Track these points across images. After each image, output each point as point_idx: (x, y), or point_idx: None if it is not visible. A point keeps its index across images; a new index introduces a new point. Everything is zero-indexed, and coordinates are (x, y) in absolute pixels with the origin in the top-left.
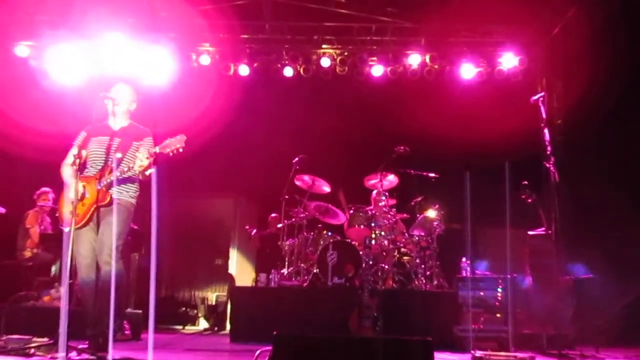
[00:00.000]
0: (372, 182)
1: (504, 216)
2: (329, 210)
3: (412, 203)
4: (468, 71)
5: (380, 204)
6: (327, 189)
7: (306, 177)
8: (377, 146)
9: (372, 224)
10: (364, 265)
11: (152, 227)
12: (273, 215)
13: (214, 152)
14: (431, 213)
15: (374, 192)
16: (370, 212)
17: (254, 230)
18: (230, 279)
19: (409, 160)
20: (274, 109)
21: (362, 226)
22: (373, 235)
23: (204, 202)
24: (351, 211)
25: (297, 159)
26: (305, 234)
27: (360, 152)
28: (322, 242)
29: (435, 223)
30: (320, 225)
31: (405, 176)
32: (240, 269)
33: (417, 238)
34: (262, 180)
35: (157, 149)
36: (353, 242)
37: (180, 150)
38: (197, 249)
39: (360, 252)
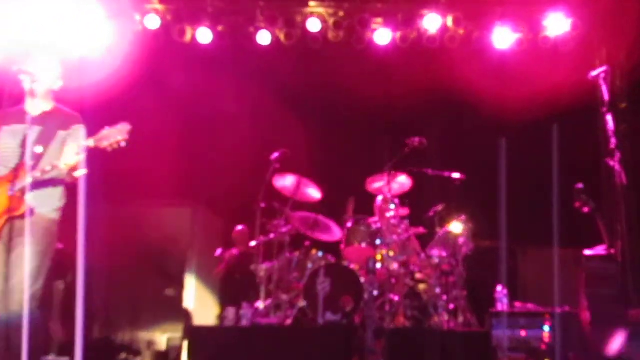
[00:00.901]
0: (377, 185)
1: (551, 231)
2: (319, 223)
3: (431, 213)
4: (503, 38)
5: (387, 215)
6: (316, 194)
7: (289, 179)
8: (384, 138)
9: (377, 241)
10: (366, 296)
11: (79, 247)
12: (239, 228)
13: (165, 146)
14: (456, 227)
15: (380, 198)
16: (374, 226)
17: (219, 250)
18: (186, 315)
19: (426, 157)
20: (245, 88)
21: (363, 244)
22: (378, 257)
23: (151, 212)
24: (349, 224)
25: (276, 154)
26: (287, 254)
27: (361, 145)
28: (310, 266)
29: (461, 240)
30: (308, 243)
31: (421, 178)
32: (200, 302)
33: (437, 260)
34: (229, 183)
35: (91, 142)
36: (352, 266)
37: (123, 143)
38: (141, 275)
39: (362, 279)
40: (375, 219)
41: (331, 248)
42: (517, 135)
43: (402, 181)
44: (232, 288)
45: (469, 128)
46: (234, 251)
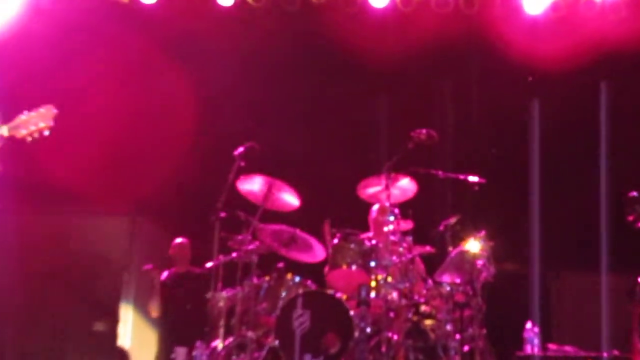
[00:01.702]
0: (373, 190)
1: (597, 251)
2: (296, 239)
3: (441, 228)
4: (535, 1)
5: (385, 229)
6: (293, 201)
7: (257, 182)
8: (381, 129)
9: (372, 264)
10: (356, 334)
11: None
12: (178, 241)
13: (93, 139)
14: (473, 246)
15: (375, 207)
16: (368, 243)
17: (165, 274)
18: (121, 356)
19: (436, 155)
20: (201, 63)
21: (354, 267)
22: (373, 283)
23: (77, 223)
24: (335, 241)
25: (240, 149)
26: (255, 279)
27: (352, 138)
28: (284, 294)
29: (480, 263)
30: (281, 265)
31: (428, 181)
32: (140, 340)
33: (448, 288)
34: (179, 186)
35: (4, 131)
36: (338, 295)
37: (46, 132)
38: (63, 304)
39: (351, 312)
40: (370, 234)
41: (312, 271)
42: (553, 130)
43: (405, 186)
44: (182, 322)
45: (492, 119)
46: (173, 270)
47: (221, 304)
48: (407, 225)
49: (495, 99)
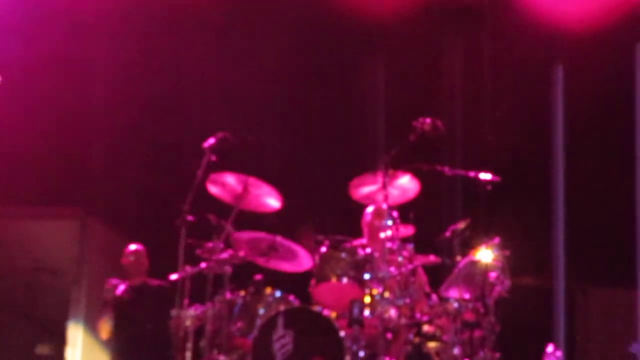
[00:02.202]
0: (367, 190)
1: (630, 263)
2: (277, 247)
3: (448, 234)
4: None
5: (382, 235)
6: (273, 203)
7: (231, 180)
8: (377, 116)
9: (366, 276)
10: (348, 358)
11: None
12: (132, 248)
13: (40, 126)
14: (485, 255)
15: (370, 210)
16: (361, 252)
17: (121, 287)
18: None
19: (442, 148)
20: (163, 37)
21: (344, 279)
22: (367, 299)
23: (17, 226)
24: (323, 249)
25: (211, 141)
26: (228, 294)
27: (343, 128)
28: (262, 312)
29: (494, 275)
30: (259, 277)
31: (433, 179)
32: None
33: (456, 305)
34: (139, 184)
35: None
36: (326, 312)
37: None
38: (1, 323)
39: (341, 333)
40: (363, 241)
41: (295, 285)
42: (580, 100)
43: (405, 184)
44: (140, 345)
45: (505, 91)
46: (127, 283)
47: (188, 323)
48: (407, 230)
49: (513, 67)
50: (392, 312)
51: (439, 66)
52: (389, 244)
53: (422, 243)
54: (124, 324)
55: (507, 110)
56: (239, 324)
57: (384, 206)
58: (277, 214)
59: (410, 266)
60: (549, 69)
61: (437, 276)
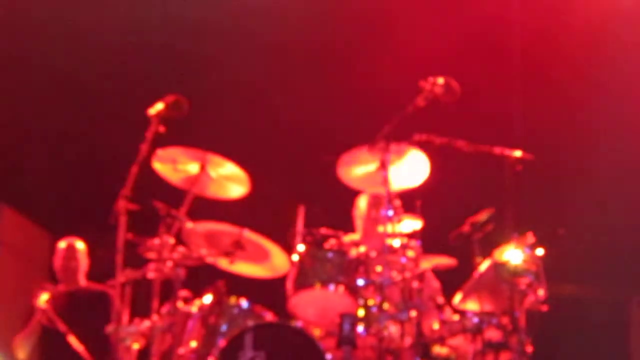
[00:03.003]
0: (360, 170)
1: None
2: (243, 244)
3: (466, 229)
4: None
5: (380, 230)
6: (239, 187)
7: (184, 156)
8: (374, 78)
9: (359, 282)
10: None
11: None
12: (63, 245)
13: None
14: (514, 256)
15: (364, 197)
16: (353, 251)
17: (44, 295)
18: None
19: (459, 117)
20: None
21: (331, 286)
22: (361, 312)
23: None
24: (302, 247)
25: (159, 106)
26: (181, 305)
27: (329, 90)
28: (225, 328)
29: (525, 281)
30: (221, 283)
31: (447, 157)
32: None
33: (476, 320)
34: (62, 168)
35: None
36: (307, 329)
37: None
38: None
39: (328, 357)
40: (356, 237)
41: (268, 294)
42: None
43: (411, 164)
44: None
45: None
46: (56, 290)
47: (128, 342)
48: (413, 224)
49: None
50: (393, 329)
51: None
52: (389, 241)
53: (432, 240)
54: (50, 342)
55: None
56: (195, 344)
57: (383, 192)
58: (244, 201)
59: (416, 270)
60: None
61: (452, 283)
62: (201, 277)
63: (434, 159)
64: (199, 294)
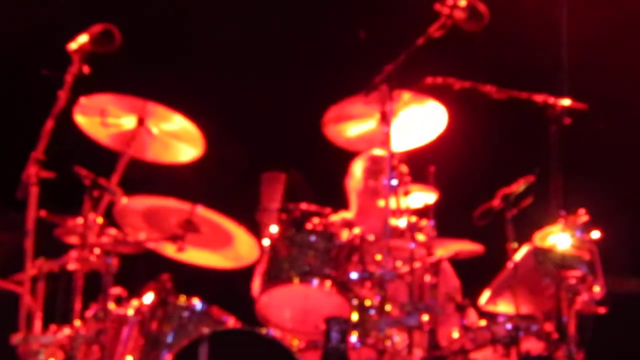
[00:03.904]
0: (354, 128)
1: None
2: (195, 226)
3: (496, 203)
4: None
5: (380, 204)
6: (191, 147)
7: (116, 106)
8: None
9: (352, 275)
10: None
11: None
12: None
13: None
14: (560, 240)
15: (359, 161)
16: (343, 234)
17: None
18: None
19: (487, 53)
20: None
21: (314, 281)
22: (355, 315)
23: None
24: (275, 228)
25: (82, 38)
26: (113, 306)
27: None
28: (171, 339)
29: (577, 274)
30: (167, 277)
31: (469, 107)
32: None
33: (509, 326)
34: None
35: None
36: (281, 338)
37: None
38: None
39: None
40: (347, 214)
41: (229, 291)
42: None
43: (422, 117)
44: None
45: None
46: None
47: (42, 356)
48: (425, 197)
49: None
50: (398, 339)
51: None
52: (392, 221)
53: (450, 219)
54: None
55: None
56: (132, 359)
57: (385, 154)
58: (197, 167)
59: (429, 259)
60: None
61: (477, 277)
62: (140, 269)
63: (452, 110)
64: (136, 291)
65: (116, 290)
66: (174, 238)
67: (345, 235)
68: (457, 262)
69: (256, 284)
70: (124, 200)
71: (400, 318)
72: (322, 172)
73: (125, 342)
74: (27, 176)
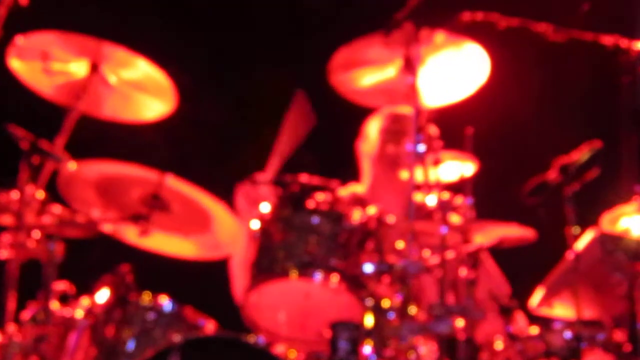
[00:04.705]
0: (370, 77)
1: None
2: (163, 203)
3: (553, 176)
4: None
5: (401, 176)
6: (156, 105)
7: (60, 45)
8: None
9: (366, 268)
10: None
11: None
12: None
13: None
14: (636, 224)
15: (374, 121)
16: (354, 215)
17: None
18: None
19: None
20: None
21: (317, 275)
22: (369, 318)
23: None
24: (266, 209)
25: None
26: (60, 305)
27: None
28: (132, 347)
29: None
30: (126, 268)
31: (519, 51)
32: None
33: (568, 335)
34: None
35: None
36: (273, 347)
37: None
38: None
39: None
40: (359, 188)
41: (206, 287)
42: None
43: (457, 65)
44: None
45: None
46: None
47: None
48: (461, 168)
49: None
50: (424, 351)
51: None
52: (418, 198)
53: (493, 197)
54: None
55: None
56: None
57: (409, 112)
58: (166, 127)
59: (466, 248)
60: None
61: (527, 271)
62: (92, 258)
63: (496, 55)
64: (87, 287)
65: (61, 286)
66: (136, 218)
67: (357, 216)
68: (502, 252)
69: (242, 279)
70: (72, 168)
71: (428, 323)
72: (327, 134)
73: (72, 352)
74: None
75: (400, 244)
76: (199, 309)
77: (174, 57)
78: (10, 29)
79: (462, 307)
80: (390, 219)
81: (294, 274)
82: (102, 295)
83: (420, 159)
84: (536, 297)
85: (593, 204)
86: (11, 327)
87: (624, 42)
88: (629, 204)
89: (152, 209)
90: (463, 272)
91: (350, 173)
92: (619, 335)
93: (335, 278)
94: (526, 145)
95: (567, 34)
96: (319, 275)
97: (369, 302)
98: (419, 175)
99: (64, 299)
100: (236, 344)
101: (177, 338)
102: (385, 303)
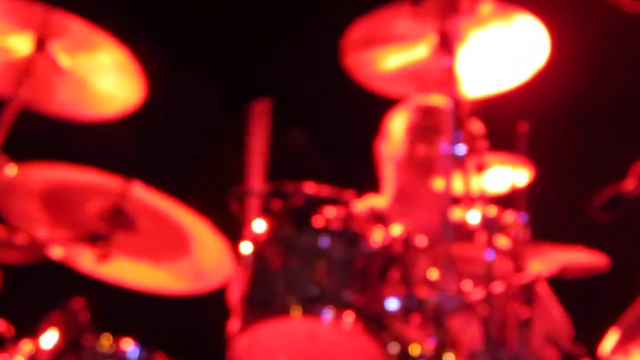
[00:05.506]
0: (394, 57)
1: None
2: (127, 219)
3: (629, 186)
4: None
5: (434, 185)
6: (120, 95)
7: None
8: None
9: (391, 304)
10: None
11: None
12: None
13: None
14: None
15: (399, 114)
16: (374, 236)
17: None
18: None
19: None
20: None
21: (325, 312)
22: None
23: None
24: (260, 227)
25: None
26: None
27: None
28: None
29: None
30: (79, 303)
31: (588, 27)
32: None
33: None
34: None
35: None
36: None
37: None
38: None
39: None
40: (380, 200)
41: (184, 327)
42: None
43: (507, 44)
44: None
45: None
46: None
47: None
48: (512, 175)
49: None
50: None
51: None
52: (457, 214)
53: (554, 212)
54: None
55: None
56: None
57: (445, 103)
58: (134, 120)
59: (519, 278)
60: None
61: (597, 308)
62: (36, 290)
63: (559, 31)
64: (30, 327)
65: None
66: (93, 239)
67: (377, 237)
68: (565, 284)
69: (232, 317)
70: (11, 174)
71: None
72: (339, 132)
73: None
74: None
75: (433, 274)
76: (173, 356)
77: (143, 33)
78: None
79: (514, 355)
80: (420, 241)
81: (296, 312)
82: (49, 339)
83: (459, 163)
84: (609, 341)
85: None
86: None
87: None
88: None
89: (113, 226)
90: (515, 309)
91: (368, 182)
92: None
93: (349, 317)
94: (596, 146)
95: None
96: (328, 313)
97: (394, 348)
98: (457, 184)
99: (1, 343)
100: None
101: None
102: (415, 349)
